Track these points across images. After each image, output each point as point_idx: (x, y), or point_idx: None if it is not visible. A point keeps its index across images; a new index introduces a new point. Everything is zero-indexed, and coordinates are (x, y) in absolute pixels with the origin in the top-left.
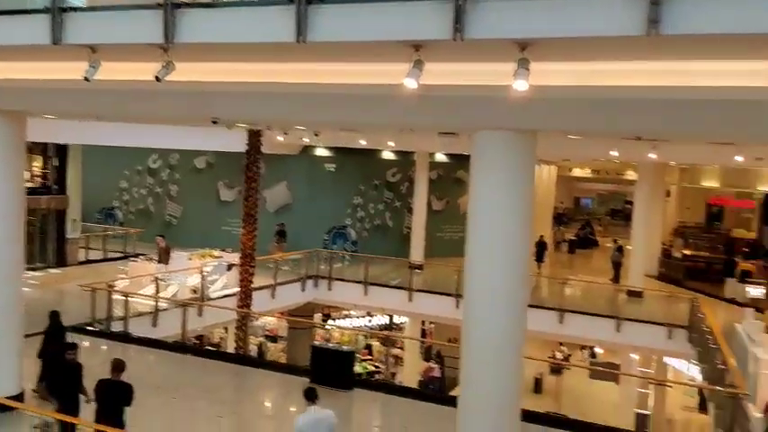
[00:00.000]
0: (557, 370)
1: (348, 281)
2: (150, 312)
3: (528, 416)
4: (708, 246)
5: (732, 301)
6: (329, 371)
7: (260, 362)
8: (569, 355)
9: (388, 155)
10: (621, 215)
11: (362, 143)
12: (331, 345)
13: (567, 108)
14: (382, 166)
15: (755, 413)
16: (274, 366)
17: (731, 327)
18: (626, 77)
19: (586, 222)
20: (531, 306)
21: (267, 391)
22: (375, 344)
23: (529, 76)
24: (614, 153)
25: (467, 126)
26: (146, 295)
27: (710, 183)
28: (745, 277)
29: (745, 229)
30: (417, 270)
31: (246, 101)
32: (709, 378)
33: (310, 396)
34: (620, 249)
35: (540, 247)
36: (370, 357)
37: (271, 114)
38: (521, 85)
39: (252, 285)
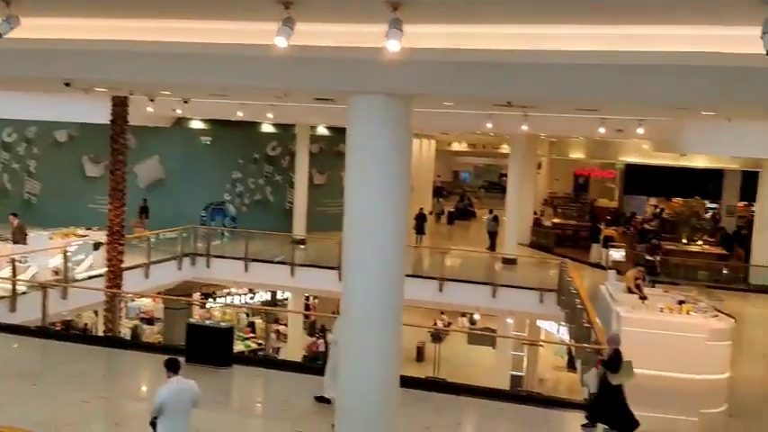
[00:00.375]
0: (437, 337)
1: (228, 258)
2: (7, 296)
3: (407, 382)
4: (575, 214)
5: (597, 266)
6: (206, 349)
7: (131, 343)
8: (450, 323)
9: (267, 128)
10: (498, 188)
11: (240, 115)
12: (208, 322)
13: (443, 72)
14: (262, 140)
15: None
16: (147, 347)
17: (596, 289)
18: (501, 41)
19: (464, 195)
20: (411, 276)
21: (138, 373)
22: (258, 321)
23: (401, 37)
24: (489, 125)
25: (340, 90)
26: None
27: (577, 154)
28: (608, 242)
29: (608, 198)
30: (300, 245)
31: (102, 60)
32: (576, 337)
33: (171, 367)
34: (495, 219)
35: (420, 219)
36: (252, 335)
37: (129, 75)
38: (393, 46)
39: (122, 265)
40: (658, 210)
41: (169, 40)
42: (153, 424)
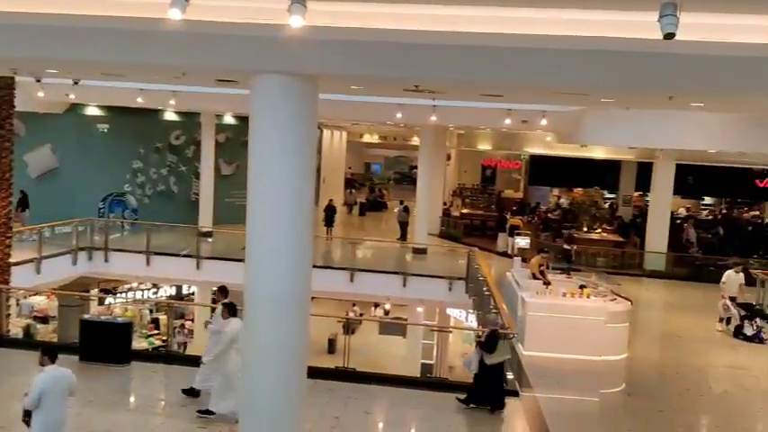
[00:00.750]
0: (349, 329)
1: (128, 251)
2: None
3: (316, 373)
4: (482, 205)
5: (504, 254)
6: (102, 346)
7: (20, 342)
8: (362, 314)
9: (170, 116)
10: (409, 180)
11: (140, 101)
12: (104, 317)
13: (350, 52)
14: (165, 128)
15: (524, 352)
16: (38, 346)
17: (503, 276)
18: (409, 21)
19: (375, 187)
20: (322, 267)
21: (28, 372)
22: (163, 317)
23: (305, 14)
24: (398, 115)
25: (241, 69)
26: None
27: (484, 146)
28: (514, 231)
29: (514, 189)
30: (206, 237)
31: None
32: (483, 323)
33: (48, 353)
34: (406, 210)
35: (330, 211)
36: (157, 332)
37: (7, 50)
38: (296, 22)
39: (9, 259)
40: (561, 200)
41: (53, 12)
42: (26, 422)
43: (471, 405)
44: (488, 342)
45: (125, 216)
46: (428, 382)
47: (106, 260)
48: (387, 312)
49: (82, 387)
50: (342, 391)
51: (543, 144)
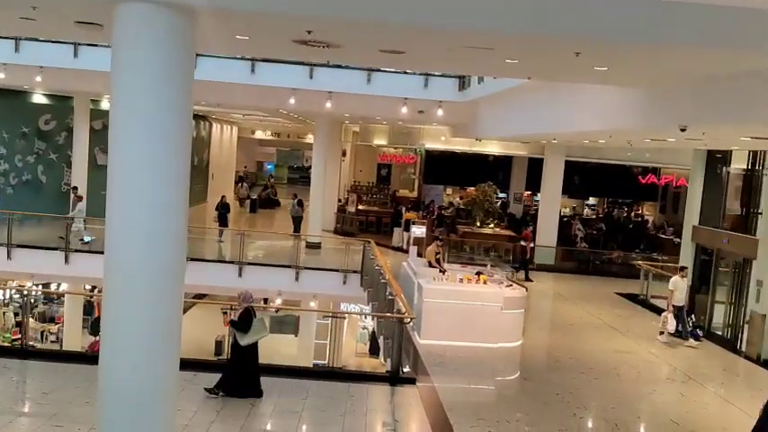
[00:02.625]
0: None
1: None
2: None
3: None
4: (378, 202)
5: (399, 249)
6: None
7: None
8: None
9: (39, 98)
10: (305, 179)
11: (1, 77)
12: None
13: None
14: (32, 111)
15: (420, 340)
16: None
17: (399, 268)
18: None
19: (268, 185)
20: (210, 260)
21: None
22: (31, 321)
23: None
24: (291, 101)
25: None
26: None
27: (380, 141)
28: (410, 225)
29: (409, 189)
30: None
31: None
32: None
33: None
34: (300, 203)
35: (224, 209)
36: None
37: None
38: None
39: None
40: (455, 200)
41: None
42: None
43: (221, 393)
44: (242, 321)
45: None
46: (321, 371)
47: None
48: (276, 311)
49: None
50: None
51: (438, 139)
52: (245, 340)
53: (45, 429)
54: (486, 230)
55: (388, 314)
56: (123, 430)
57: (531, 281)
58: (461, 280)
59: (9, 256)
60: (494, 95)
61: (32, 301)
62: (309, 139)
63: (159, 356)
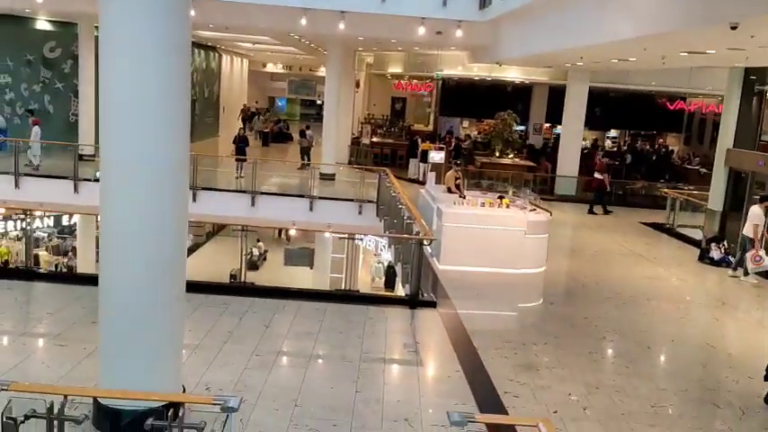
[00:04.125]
0: (253, 266)
1: None
2: None
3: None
4: (393, 135)
5: (415, 181)
6: None
7: None
8: (266, 251)
9: (44, 25)
10: (318, 116)
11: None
12: None
13: None
14: (37, 39)
15: (440, 266)
16: None
17: (416, 198)
18: None
19: (280, 120)
20: (222, 190)
21: None
22: (43, 254)
23: None
24: (303, 21)
25: None
26: None
27: (395, 69)
28: (426, 156)
29: (424, 123)
30: (89, 160)
31: None
32: (398, 240)
33: None
34: (302, 134)
35: (242, 142)
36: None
37: None
38: None
39: None
40: (472, 133)
41: None
42: None
43: None
44: None
45: None
46: (338, 294)
47: None
48: (289, 239)
49: None
50: (237, 305)
51: (457, 67)
52: None
53: (49, 348)
54: (506, 161)
55: (407, 235)
56: (125, 347)
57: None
58: (483, 204)
59: (17, 185)
60: (516, 11)
61: (47, 235)
62: (322, 72)
63: (161, 270)
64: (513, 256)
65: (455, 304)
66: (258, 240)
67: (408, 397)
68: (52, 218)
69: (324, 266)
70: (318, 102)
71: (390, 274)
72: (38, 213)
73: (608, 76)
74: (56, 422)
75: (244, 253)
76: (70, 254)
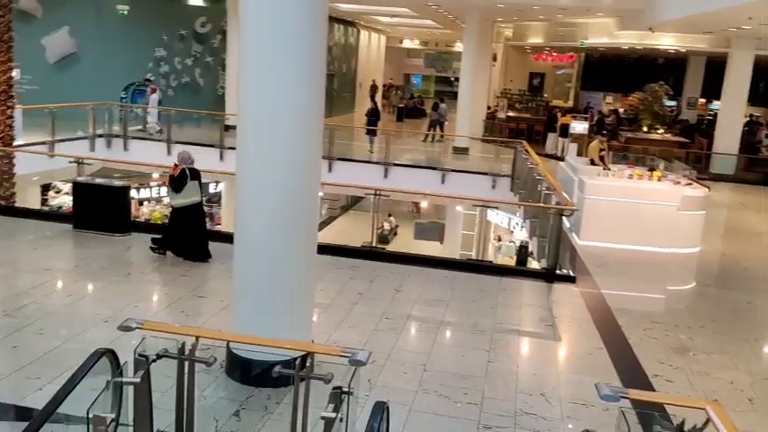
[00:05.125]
0: (384, 239)
1: (149, 140)
2: None
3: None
4: (530, 108)
5: (553, 157)
6: (97, 212)
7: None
8: (397, 226)
9: (195, 0)
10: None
11: None
12: (99, 180)
13: None
14: (189, 14)
15: (579, 242)
16: (32, 214)
17: (554, 171)
18: None
19: (414, 95)
20: (355, 161)
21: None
22: None
23: None
24: None
25: None
26: None
27: (536, 39)
28: (567, 130)
29: (564, 99)
30: (234, 130)
31: None
32: (533, 214)
33: None
34: (435, 107)
35: (373, 116)
36: None
37: None
38: None
39: (12, 132)
40: (619, 108)
41: None
42: None
43: (161, 251)
44: (175, 179)
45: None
46: (470, 263)
47: (126, 148)
48: (419, 211)
49: (69, 254)
50: (368, 269)
51: (602, 33)
52: (175, 201)
53: (188, 299)
54: (654, 136)
55: (546, 204)
56: (257, 300)
57: None
58: (630, 176)
59: (169, 153)
60: None
61: None
62: (458, 48)
63: (294, 224)
64: (662, 233)
65: (597, 281)
66: (389, 215)
67: (545, 371)
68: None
69: (454, 242)
70: (453, 78)
71: (522, 255)
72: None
73: None
74: (186, 363)
75: (375, 221)
76: (214, 207)
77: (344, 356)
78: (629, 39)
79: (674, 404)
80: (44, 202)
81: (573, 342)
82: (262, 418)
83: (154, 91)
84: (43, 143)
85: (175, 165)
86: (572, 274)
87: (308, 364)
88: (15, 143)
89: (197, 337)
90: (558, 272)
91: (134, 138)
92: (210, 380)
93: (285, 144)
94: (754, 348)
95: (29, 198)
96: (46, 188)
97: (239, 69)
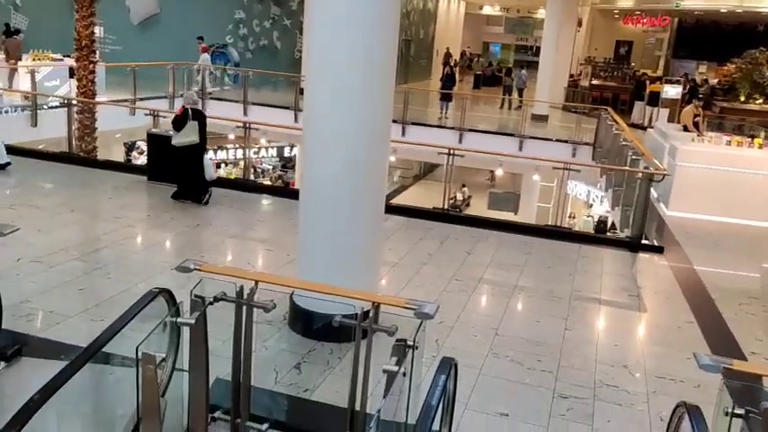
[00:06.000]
0: (456, 208)
1: (227, 100)
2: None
3: (407, 211)
4: (615, 77)
5: (640, 126)
6: (170, 164)
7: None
8: (470, 197)
9: None
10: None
11: None
12: (172, 132)
13: None
14: None
15: (668, 212)
16: (111, 166)
17: (642, 139)
18: None
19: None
20: (431, 126)
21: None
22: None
23: None
24: None
25: None
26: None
27: (626, 3)
28: (657, 99)
29: (653, 68)
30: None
31: None
32: (617, 182)
33: None
34: (508, 73)
35: (449, 81)
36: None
37: None
38: None
39: (94, 87)
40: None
41: None
42: None
43: (181, 200)
44: (177, 119)
45: (227, 71)
46: (547, 229)
47: (203, 108)
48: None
49: (141, 204)
50: (439, 230)
51: None
52: (174, 139)
53: (256, 250)
54: (752, 106)
55: (633, 168)
56: (322, 253)
57: None
58: (728, 143)
59: (245, 113)
60: None
61: (271, 167)
62: (540, 14)
63: (360, 177)
64: (762, 205)
65: (687, 253)
66: (463, 186)
67: (628, 343)
68: (275, 149)
69: (529, 214)
70: (534, 48)
71: (600, 230)
72: (263, 142)
73: None
74: (245, 308)
75: (448, 186)
76: (289, 172)
77: (410, 308)
78: (728, 1)
79: None
80: (128, 162)
81: (660, 314)
82: (323, 372)
83: (205, 50)
84: (125, 101)
85: (182, 107)
86: (660, 244)
87: (371, 315)
88: (97, 99)
89: (256, 282)
90: (643, 242)
91: (212, 99)
92: (273, 331)
93: (353, 94)
94: None
95: (113, 155)
96: (130, 148)
97: (309, 32)
